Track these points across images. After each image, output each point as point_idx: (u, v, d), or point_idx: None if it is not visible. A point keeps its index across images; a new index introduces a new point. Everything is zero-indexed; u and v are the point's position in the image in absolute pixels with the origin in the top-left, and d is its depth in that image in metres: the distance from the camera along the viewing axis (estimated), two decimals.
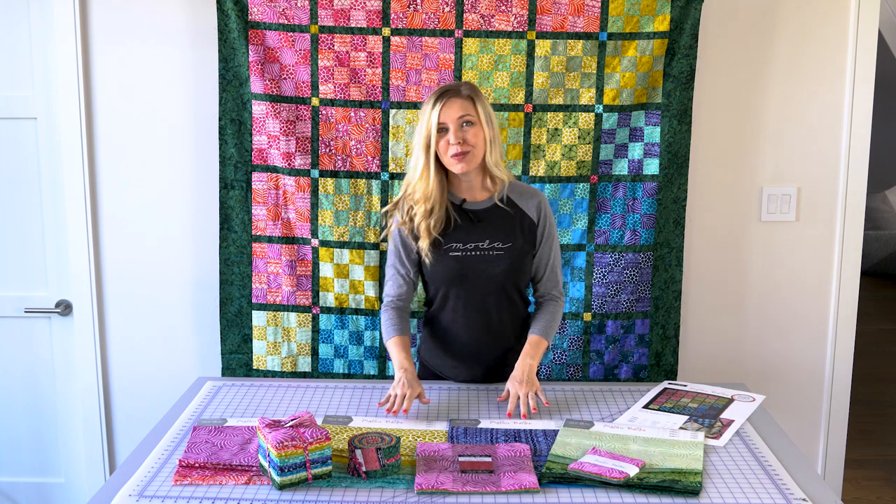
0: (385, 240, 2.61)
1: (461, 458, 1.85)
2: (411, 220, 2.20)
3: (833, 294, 2.80)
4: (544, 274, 2.28)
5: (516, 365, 2.18)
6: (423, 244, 2.19)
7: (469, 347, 2.28)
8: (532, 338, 2.23)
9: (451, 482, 1.74)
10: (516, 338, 2.29)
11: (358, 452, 1.78)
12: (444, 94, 2.12)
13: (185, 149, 2.73)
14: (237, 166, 2.65)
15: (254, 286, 2.71)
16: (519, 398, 2.11)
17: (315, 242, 2.68)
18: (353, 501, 1.71)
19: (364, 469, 1.78)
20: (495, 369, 2.30)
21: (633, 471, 1.78)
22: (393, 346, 2.21)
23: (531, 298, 2.35)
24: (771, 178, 2.75)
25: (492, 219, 2.21)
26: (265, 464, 1.79)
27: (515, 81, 2.59)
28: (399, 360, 2.17)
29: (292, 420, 1.83)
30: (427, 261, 2.21)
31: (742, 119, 2.71)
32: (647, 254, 2.67)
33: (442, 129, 2.12)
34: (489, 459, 1.84)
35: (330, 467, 1.77)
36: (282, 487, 1.74)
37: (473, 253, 2.20)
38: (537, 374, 2.36)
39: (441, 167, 2.17)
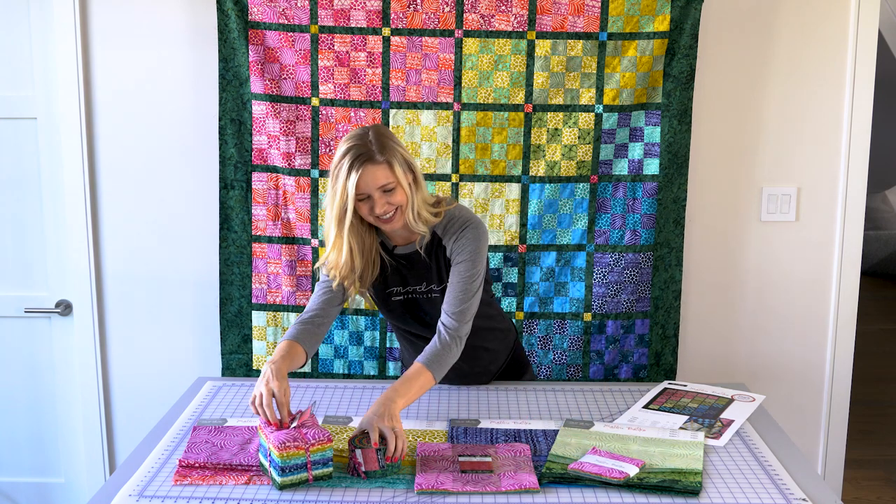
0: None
1: (461, 458, 1.85)
2: (342, 288, 2.10)
3: (833, 294, 2.80)
4: (445, 300, 2.07)
5: (382, 396, 1.90)
6: (360, 295, 2.13)
7: None
8: (416, 365, 2.00)
9: (451, 482, 1.74)
10: (485, 341, 2.25)
11: (358, 452, 1.78)
12: (357, 161, 1.93)
13: (185, 149, 2.73)
14: (237, 166, 2.65)
15: (254, 286, 2.71)
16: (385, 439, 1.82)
17: (315, 242, 2.68)
18: (353, 501, 1.71)
19: (363, 469, 1.78)
20: (472, 377, 2.29)
21: (633, 471, 1.78)
22: (278, 346, 2.03)
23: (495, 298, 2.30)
24: (771, 178, 2.75)
25: (420, 262, 2.11)
26: (266, 463, 1.79)
27: (515, 81, 2.59)
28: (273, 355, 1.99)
29: (294, 416, 1.82)
30: (371, 302, 2.17)
31: (742, 119, 2.71)
32: (647, 254, 2.67)
33: (361, 198, 1.97)
34: (489, 459, 1.84)
35: (331, 468, 1.77)
36: (282, 487, 1.74)
37: (413, 296, 2.15)
38: (537, 376, 2.36)
39: (363, 222, 2.05)
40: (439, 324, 2.05)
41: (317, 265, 2.24)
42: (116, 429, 2.91)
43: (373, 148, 1.95)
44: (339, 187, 1.96)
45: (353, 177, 1.93)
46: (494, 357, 2.32)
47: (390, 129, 2.60)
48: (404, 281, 2.15)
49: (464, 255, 2.06)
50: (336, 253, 2.03)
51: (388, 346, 2.72)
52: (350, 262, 2.04)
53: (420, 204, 2.02)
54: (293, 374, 2.73)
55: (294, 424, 1.81)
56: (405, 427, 2.03)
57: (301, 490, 1.75)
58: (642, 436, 1.96)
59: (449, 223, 2.09)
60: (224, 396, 2.27)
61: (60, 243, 2.79)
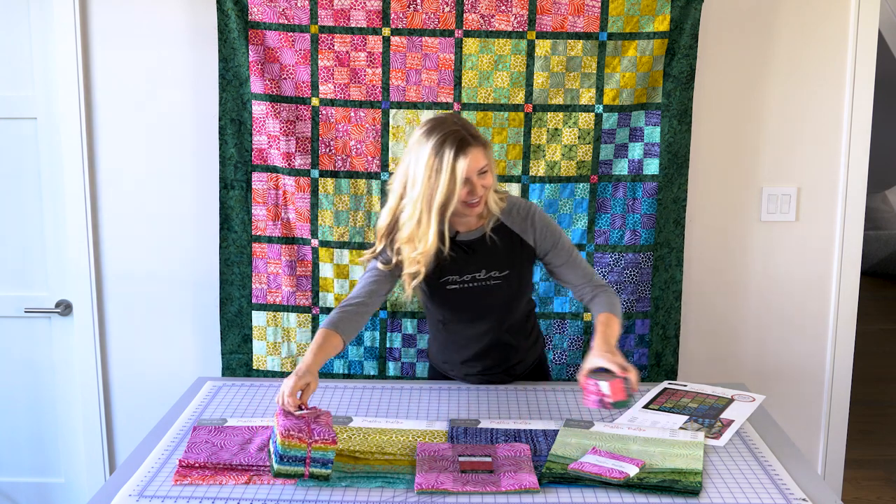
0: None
1: (461, 458, 1.85)
2: (398, 267, 2.09)
3: (833, 294, 2.80)
4: (572, 274, 2.18)
5: (596, 343, 1.98)
6: (411, 284, 2.09)
7: (474, 357, 2.27)
8: (602, 315, 2.09)
9: (451, 482, 1.74)
10: (522, 341, 2.30)
11: (603, 385, 1.78)
12: (462, 145, 1.95)
13: (185, 149, 2.73)
14: (237, 166, 2.65)
15: (254, 286, 2.71)
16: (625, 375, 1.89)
17: (315, 243, 2.68)
18: (353, 501, 1.71)
19: (611, 400, 1.81)
20: (502, 372, 2.30)
21: (633, 471, 1.78)
22: (316, 335, 2.02)
23: (535, 299, 2.34)
24: (771, 178, 2.75)
25: (485, 248, 2.14)
26: (271, 448, 1.79)
27: (515, 81, 2.59)
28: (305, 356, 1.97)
29: (309, 410, 1.82)
30: (421, 294, 2.17)
31: (742, 119, 2.71)
32: (647, 254, 2.67)
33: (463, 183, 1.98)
34: (489, 459, 1.84)
35: (329, 471, 1.76)
36: (276, 475, 1.74)
37: (471, 284, 2.16)
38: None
39: None
40: (589, 288, 2.17)
41: (364, 258, 2.18)
42: (116, 429, 2.91)
43: (467, 133, 1.98)
44: (444, 174, 1.94)
45: (462, 161, 1.94)
46: (521, 359, 2.32)
47: (390, 128, 2.60)
48: (461, 269, 2.14)
49: (555, 236, 2.16)
50: (428, 241, 2.00)
51: (388, 346, 2.72)
52: (436, 249, 2.04)
53: (494, 191, 2.09)
54: None
55: (304, 412, 1.80)
56: (404, 427, 2.03)
57: (301, 490, 1.75)
58: (642, 436, 1.96)
59: (512, 209, 2.15)
60: (224, 396, 2.27)
61: (60, 243, 2.79)
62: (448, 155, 1.94)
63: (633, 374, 1.88)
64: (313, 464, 1.75)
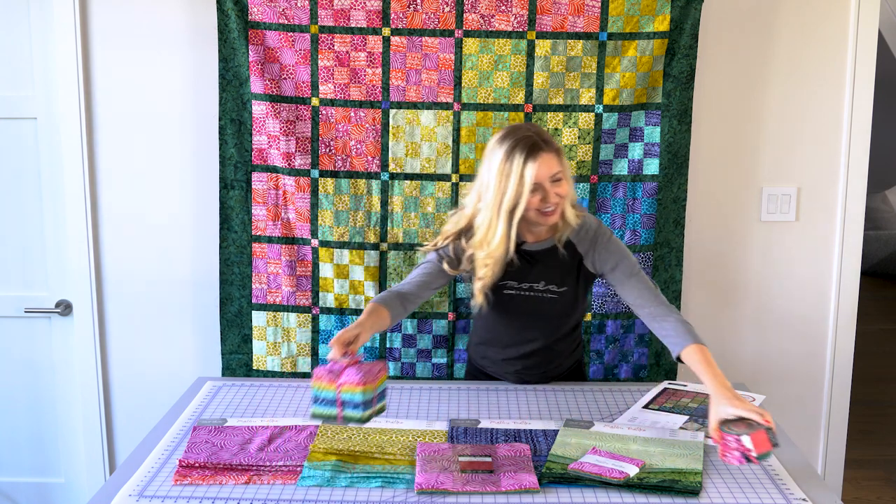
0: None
1: (461, 458, 1.85)
2: (469, 263, 2.10)
3: (833, 294, 2.80)
4: (631, 295, 2.13)
5: (712, 385, 1.87)
6: (480, 289, 2.10)
7: (517, 357, 2.29)
8: (692, 347, 1.99)
9: (451, 482, 1.74)
10: (566, 348, 2.31)
11: (745, 439, 1.68)
12: (532, 151, 1.97)
13: (185, 149, 2.73)
14: (237, 166, 2.65)
15: (254, 286, 2.71)
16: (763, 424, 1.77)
17: (315, 243, 2.68)
18: (353, 501, 1.71)
19: (755, 454, 1.69)
20: (540, 374, 2.32)
21: (633, 471, 1.78)
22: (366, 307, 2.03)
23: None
24: (771, 178, 2.75)
25: (549, 260, 2.16)
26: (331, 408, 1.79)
27: (515, 81, 2.59)
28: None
29: (354, 360, 1.82)
30: (480, 298, 2.16)
31: (742, 119, 2.71)
32: (647, 254, 2.67)
33: (533, 189, 1.99)
34: (489, 459, 1.84)
35: (361, 414, 1.75)
36: (313, 416, 1.80)
37: (527, 293, 2.18)
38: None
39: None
40: (652, 309, 2.09)
41: (430, 248, 2.17)
42: (116, 429, 2.91)
43: (539, 139, 2.00)
44: (514, 178, 1.97)
45: (532, 166, 1.96)
46: (560, 363, 2.34)
47: (390, 128, 2.60)
48: (522, 277, 2.16)
49: (615, 258, 2.13)
50: (495, 243, 2.02)
51: (388, 346, 2.72)
52: (507, 253, 2.05)
53: (572, 199, 2.08)
54: (293, 375, 2.73)
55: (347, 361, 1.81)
56: (404, 427, 2.03)
57: (300, 489, 1.75)
58: (642, 436, 1.96)
59: (581, 228, 2.14)
60: (224, 396, 2.27)
61: (60, 243, 2.79)
62: (518, 159, 1.97)
63: (770, 419, 1.77)
64: (344, 406, 1.76)
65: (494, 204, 2.00)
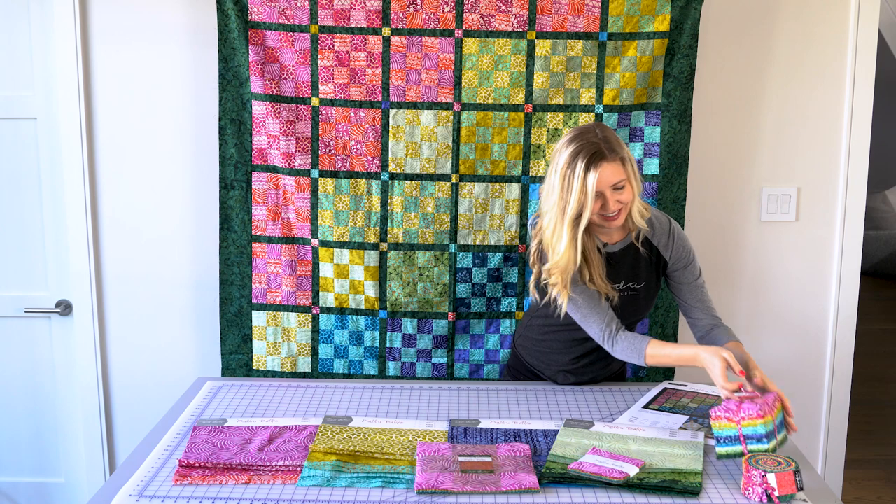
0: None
1: (461, 458, 1.85)
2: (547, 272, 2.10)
3: (833, 294, 2.80)
4: (693, 297, 2.18)
5: (735, 352, 2.00)
6: (562, 296, 2.09)
7: (579, 356, 2.29)
8: (730, 344, 2.10)
9: (451, 482, 1.74)
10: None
11: (770, 477, 1.68)
12: (593, 160, 1.96)
13: (185, 149, 2.73)
14: (237, 166, 2.65)
15: (254, 286, 2.71)
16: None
17: (315, 242, 2.68)
18: (353, 501, 1.71)
19: (777, 494, 1.69)
20: (593, 377, 2.33)
21: (633, 471, 1.78)
22: (660, 346, 2.06)
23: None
24: (771, 178, 2.75)
25: (627, 259, 2.16)
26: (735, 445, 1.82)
27: (515, 81, 2.59)
28: (688, 348, 2.03)
29: (748, 393, 1.87)
30: (539, 294, 2.17)
31: (742, 119, 2.71)
32: None
33: (596, 196, 1.99)
34: (489, 459, 1.84)
35: (767, 446, 1.79)
36: (718, 457, 1.83)
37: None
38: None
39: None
40: (707, 318, 2.18)
41: (531, 259, 2.17)
42: (116, 429, 2.91)
43: (604, 146, 1.98)
44: (575, 187, 1.96)
45: (593, 176, 1.95)
46: (614, 363, 2.35)
47: (390, 128, 2.60)
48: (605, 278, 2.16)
49: (689, 255, 2.19)
50: (559, 251, 2.01)
51: (388, 346, 2.72)
52: (575, 262, 2.03)
53: (639, 202, 2.08)
54: (293, 375, 2.73)
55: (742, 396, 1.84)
56: (404, 427, 2.03)
57: (301, 490, 1.75)
58: (642, 436, 1.96)
59: (654, 221, 2.17)
60: (224, 396, 2.27)
61: (60, 243, 2.79)
62: (580, 167, 1.96)
63: (789, 405, 1.88)
64: (748, 441, 1.79)
65: (558, 209, 2.00)
